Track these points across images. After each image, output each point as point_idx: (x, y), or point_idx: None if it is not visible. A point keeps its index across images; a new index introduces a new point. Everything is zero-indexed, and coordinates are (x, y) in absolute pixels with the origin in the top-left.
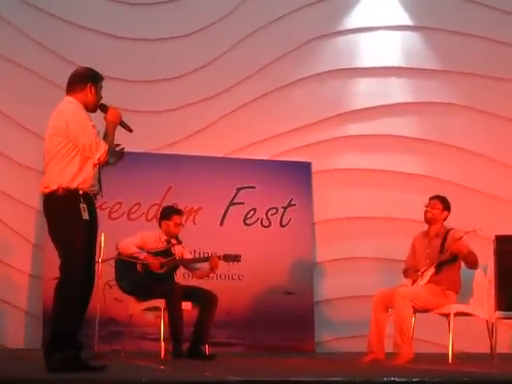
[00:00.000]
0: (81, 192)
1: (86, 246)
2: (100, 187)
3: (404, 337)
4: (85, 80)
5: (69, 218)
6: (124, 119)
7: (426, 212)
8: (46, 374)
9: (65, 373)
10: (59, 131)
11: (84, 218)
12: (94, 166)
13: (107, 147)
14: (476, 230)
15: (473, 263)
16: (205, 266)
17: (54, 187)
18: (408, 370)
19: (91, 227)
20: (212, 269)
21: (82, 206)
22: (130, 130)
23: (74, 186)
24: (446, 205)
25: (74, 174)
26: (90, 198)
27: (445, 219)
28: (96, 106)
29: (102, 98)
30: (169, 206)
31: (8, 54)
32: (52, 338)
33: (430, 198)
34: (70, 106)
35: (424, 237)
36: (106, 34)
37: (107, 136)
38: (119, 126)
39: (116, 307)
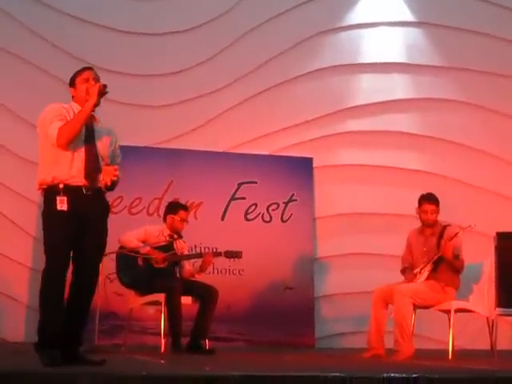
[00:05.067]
0: (61, 185)
1: (66, 239)
2: (94, 179)
3: (404, 334)
4: (70, 85)
5: (45, 211)
6: (125, 112)
7: (426, 219)
8: (46, 368)
9: (64, 367)
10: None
11: (59, 208)
12: (73, 155)
13: (59, 127)
14: (471, 225)
15: (456, 269)
16: (196, 264)
17: (38, 183)
18: (408, 366)
19: (73, 219)
20: (203, 267)
21: (60, 198)
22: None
23: (49, 179)
24: (438, 202)
25: (48, 166)
26: (73, 191)
27: None
28: (84, 99)
29: (93, 85)
30: (176, 201)
31: (12, 49)
32: (37, 334)
33: (423, 202)
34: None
35: (419, 234)
36: (109, 27)
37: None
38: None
39: (116, 301)
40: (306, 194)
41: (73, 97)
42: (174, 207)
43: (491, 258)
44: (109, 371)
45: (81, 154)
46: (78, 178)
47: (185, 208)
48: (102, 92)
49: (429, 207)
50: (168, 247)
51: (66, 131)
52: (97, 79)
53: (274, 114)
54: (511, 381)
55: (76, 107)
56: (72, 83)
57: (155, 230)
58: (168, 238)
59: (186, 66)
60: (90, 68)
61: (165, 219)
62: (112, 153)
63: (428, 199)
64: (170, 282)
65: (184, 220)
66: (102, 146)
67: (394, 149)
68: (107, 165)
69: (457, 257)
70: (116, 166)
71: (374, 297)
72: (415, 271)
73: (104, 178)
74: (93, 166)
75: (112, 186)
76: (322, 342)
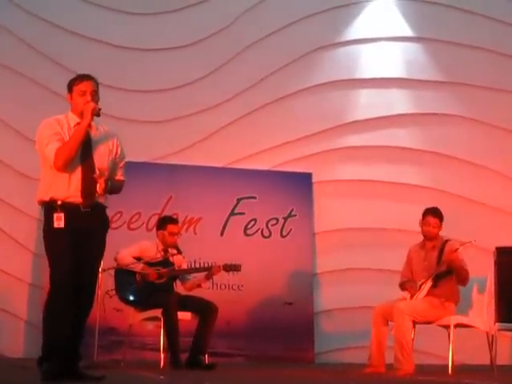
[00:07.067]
0: (59, 202)
1: (66, 255)
2: (91, 196)
3: (404, 352)
4: (68, 91)
5: (45, 229)
6: (124, 128)
7: (427, 231)
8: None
9: (64, 382)
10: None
11: (56, 226)
12: (70, 176)
13: (56, 149)
14: (471, 241)
15: (462, 279)
16: (197, 276)
17: (37, 200)
18: (408, 381)
19: (72, 235)
20: (208, 276)
21: (57, 215)
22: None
23: (47, 197)
24: (442, 218)
25: (46, 186)
26: (71, 208)
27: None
28: (81, 110)
29: (89, 100)
30: (164, 215)
31: (9, 63)
32: (42, 349)
33: (427, 215)
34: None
35: (420, 249)
36: (107, 43)
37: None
38: None
39: (116, 317)
40: (305, 209)
41: (70, 103)
42: (162, 223)
43: (491, 273)
44: None
45: (78, 173)
46: (76, 198)
47: (173, 221)
48: (96, 113)
49: (432, 220)
50: (166, 262)
51: (62, 154)
52: (95, 92)
53: (273, 129)
54: None
55: (72, 118)
56: (69, 89)
57: (152, 245)
58: (163, 253)
59: (185, 82)
60: (89, 78)
61: (157, 235)
62: (112, 161)
63: (433, 213)
64: (165, 298)
65: (174, 233)
66: (100, 158)
67: (393, 164)
68: (100, 177)
69: (462, 268)
70: (103, 181)
71: (375, 314)
72: (416, 284)
73: (97, 190)
74: (89, 185)
75: (112, 191)
76: (322, 357)
